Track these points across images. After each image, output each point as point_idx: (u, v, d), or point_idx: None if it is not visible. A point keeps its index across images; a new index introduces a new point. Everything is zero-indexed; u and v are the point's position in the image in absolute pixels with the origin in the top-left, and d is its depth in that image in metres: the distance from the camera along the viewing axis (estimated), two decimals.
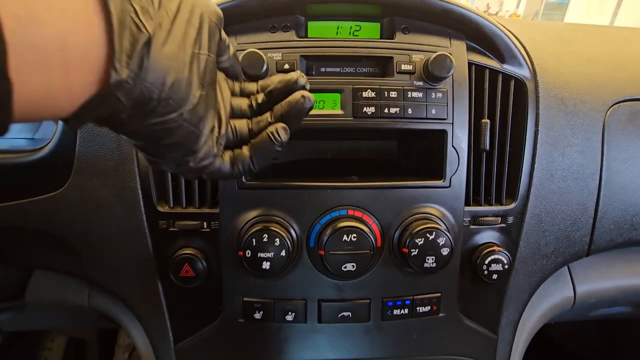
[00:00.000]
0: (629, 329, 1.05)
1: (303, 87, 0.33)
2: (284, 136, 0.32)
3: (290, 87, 0.33)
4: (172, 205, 0.44)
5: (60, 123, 0.43)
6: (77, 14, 0.21)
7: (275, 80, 0.34)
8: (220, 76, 0.34)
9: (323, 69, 0.42)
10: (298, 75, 0.33)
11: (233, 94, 0.35)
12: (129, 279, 0.47)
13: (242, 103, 0.34)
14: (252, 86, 0.36)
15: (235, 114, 0.34)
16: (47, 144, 0.43)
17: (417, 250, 0.40)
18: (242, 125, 0.33)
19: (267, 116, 0.33)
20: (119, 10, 0.22)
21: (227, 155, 0.33)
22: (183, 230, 0.44)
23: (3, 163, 0.44)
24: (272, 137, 0.32)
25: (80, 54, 0.21)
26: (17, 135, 0.54)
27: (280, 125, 0.32)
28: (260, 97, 0.34)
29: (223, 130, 0.32)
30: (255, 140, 0.33)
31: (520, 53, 0.46)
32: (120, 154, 0.43)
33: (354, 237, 0.40)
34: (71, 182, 0.44)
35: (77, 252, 0.46)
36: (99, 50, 0.22)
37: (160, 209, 0.44)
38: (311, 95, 0.32)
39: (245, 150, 0.33)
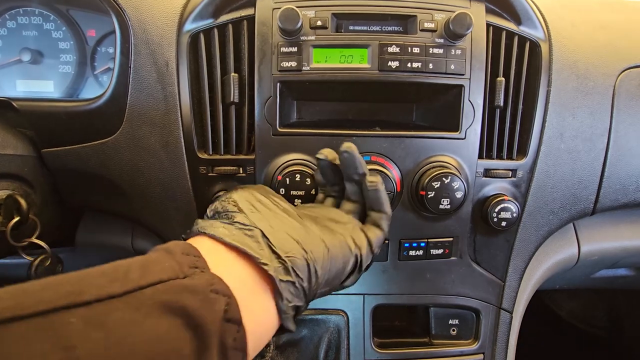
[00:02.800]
0: (632, 305, 1.08)
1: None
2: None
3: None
4: (211, 152, 0.49)
5: (115, 74, 0.48)
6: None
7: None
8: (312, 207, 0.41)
9: (352, 27, 0.46)
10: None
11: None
12: (172, 219, 0.52)
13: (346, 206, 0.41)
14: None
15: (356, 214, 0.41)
16: (103, 93, 0.49)
17: (433, 192, 0.44)
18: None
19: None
20: (233, 236, 0.30)
21: (369, 224, 0.40)
22: (221, 175, 0.49)
23: (65, 110, 0.49)
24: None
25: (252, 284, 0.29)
26: (62, 96, 0.59)
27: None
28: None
29: (356, 222, 0.39)
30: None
31: (536, 16, 0.49)
32: (166, 104, 0.48)
33: None
34: (123, 130, 0.49)
35: (127, 195, 0.52)
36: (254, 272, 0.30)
37: (200, 155, 0.49)
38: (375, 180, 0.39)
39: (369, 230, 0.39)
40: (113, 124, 0.49)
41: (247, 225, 0.30)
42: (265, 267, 0.28)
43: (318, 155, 0.40)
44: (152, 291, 0.23)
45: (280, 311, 0.30)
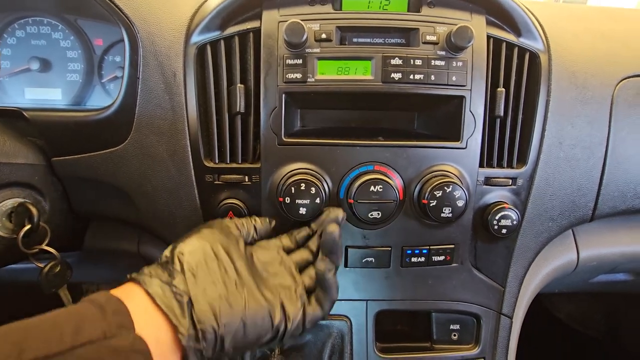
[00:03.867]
0: (629, 308, 1.09)
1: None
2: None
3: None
4: (217, 161, 0.50)
5: (124, 85, 0.49)
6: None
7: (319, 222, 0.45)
8: (269, 250, 0.44)
9: (355, 39, 0.47)
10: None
11: (289, 251, 0.45)
12: (178, 226, 0.53)
13: (304, 255, 0.45)
14: (304, 232, 0.46)
15: (301, 266, 0.44)
16: (112, 103, 0.50)
17: (435, 201, 0.45)
18: (311, 271, 0.44)
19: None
20: (164, 298, 0.34)
21: (312, 299, 0.42)
22: (227, 183, 0.50)
23: (75, 120, 0.50)
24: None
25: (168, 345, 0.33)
26: (69, 103, 0.60)
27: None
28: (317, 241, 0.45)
29: (300, 290, 0.41)
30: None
31: (536, 28, 0.50)
32: (173, 114, 0.49)
33: (380, 188, 0.45)
34: (131, 139, 0.50)
35: (134, 202, 0.53)
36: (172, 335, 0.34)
37: (206, 164, 0.50)
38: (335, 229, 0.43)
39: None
40: (122, 133, 0.50)
41: (180, 291, 0.35)
42: (180, 336, 0.33)
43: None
44: (83, 351, 0.28)
45: None
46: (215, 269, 0.38)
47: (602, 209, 0.56)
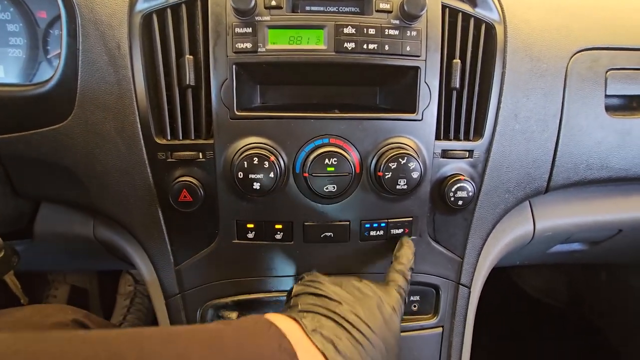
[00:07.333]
0: (589, 278, 1.15)
1: None
2: None
3: None
4: (169, 137, 0.48)
5: (63, 56, 0.46)
6: None
7: None
8: None
9: (308, 7, 0.45)
10: None
11: None
12: (132, 207, 0.51)
13: None
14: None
15: None
16: (52, 77, 0.47)
17: (390, 173, 0.45)
18: None
19: None
20: None
21: None
22: (180, 160, 0.48)
23: (10, 95, 0.47)
24: None
25: None
26: (14, 81, 0.56)
27: None
28: None
29: None
30: None
31: None
32: (119, 88, 0.47)
33: (334, 161, 0.45)
34: (75, 115, 0.47)
35: (84, 183, 0.50)
36: None
37: (158, 141, 0.48)
38: None
39: None
40: (64, 109, 0.47)
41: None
42: None
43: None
44: None
45: None
46: None
47: (556, 180, 0.58)
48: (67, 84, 0.46)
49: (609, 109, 0.57)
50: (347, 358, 0.32)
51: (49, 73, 0.58)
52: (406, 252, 0.47)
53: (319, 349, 0.32)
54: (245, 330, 0.31)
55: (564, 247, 0.74)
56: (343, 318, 0.35)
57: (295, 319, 0.34)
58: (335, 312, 0.36)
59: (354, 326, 0.35)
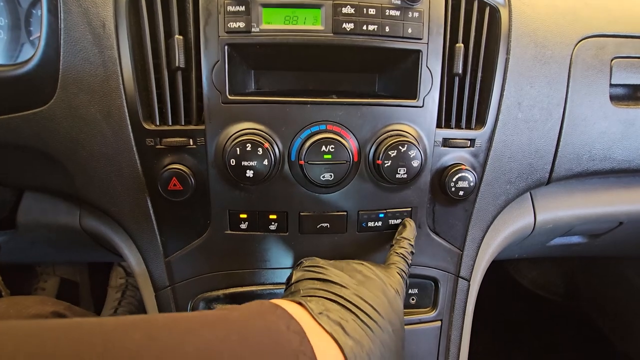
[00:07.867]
0: (586, 271, 1.15)
1: None
2: None
3: None
4: (158, 123, 0.46)
5: (44, 34, 0.43)
6: None
7: None
8: None
9: None
10: None
11: None
12: (119, 196, 0.49)
13: None
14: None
15: None
16: (32, 57, 0.44)
17: (390, 161, 0.43)
18: None
19: None
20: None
21: None
22: (170, 147, 0.46)
23: None
24: None
25: None
26: None
27: None
28: None
29: None
30: None
31: None
32: (105, 70, 0.44)
33: (331, 148, 0.43)
34: (57, 98, 0.45)
35: (68, 170, 0.48)
36: None
37: (146, 126, 0.45)
38: None
39: None
40: (46, 91, 0.44)
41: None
42: None
43: None
44: None
45: None
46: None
47: (559, 171, 0.56)
48: (49, 64, 0.44)
49: (613, 98, 0.55)
50: (355, 340, 0.31)
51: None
52: (408, 234, 0.46)
53: (327, 331, 0.30)
54: (252, 313, 0.30)
55: (564, 240, 0.73)
56: (348, 301, 0.34)
57: (300, 303, 0.33)
58: (339, 296, 0.34)
59: (360, 309, 0.33)
